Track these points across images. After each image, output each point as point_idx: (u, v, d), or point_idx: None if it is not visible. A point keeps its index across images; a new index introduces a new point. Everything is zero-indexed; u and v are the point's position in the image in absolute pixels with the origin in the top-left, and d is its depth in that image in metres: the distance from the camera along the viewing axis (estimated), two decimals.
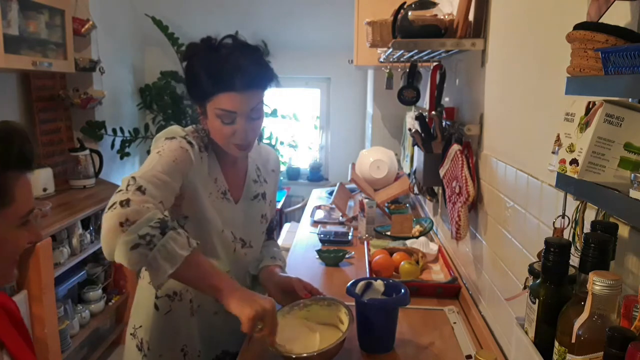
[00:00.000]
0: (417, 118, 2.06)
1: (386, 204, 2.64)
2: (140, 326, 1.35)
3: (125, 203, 1.02)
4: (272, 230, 1.57)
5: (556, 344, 0.77)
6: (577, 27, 0.75)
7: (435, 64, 2.17)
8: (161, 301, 1.33)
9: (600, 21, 0.75)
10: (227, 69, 1.17)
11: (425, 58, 2.04)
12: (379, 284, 1.36)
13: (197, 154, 1.23)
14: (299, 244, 2.25)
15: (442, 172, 1.78)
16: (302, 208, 3.56)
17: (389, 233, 2.23)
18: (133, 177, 1.08)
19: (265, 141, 4.18)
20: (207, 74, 1.18)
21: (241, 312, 1.04)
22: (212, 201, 1.28)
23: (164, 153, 1.16)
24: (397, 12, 1.73)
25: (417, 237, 2.12)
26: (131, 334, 1.37)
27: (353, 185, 2.82)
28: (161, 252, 1.00)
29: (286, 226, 3.49)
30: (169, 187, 1.13)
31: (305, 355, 1.12)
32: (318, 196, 3.22)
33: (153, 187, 1.08)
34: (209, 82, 1.18)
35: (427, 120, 2.05)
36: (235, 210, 1.34)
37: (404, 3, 1.74)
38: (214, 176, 1.30)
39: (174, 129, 1.27)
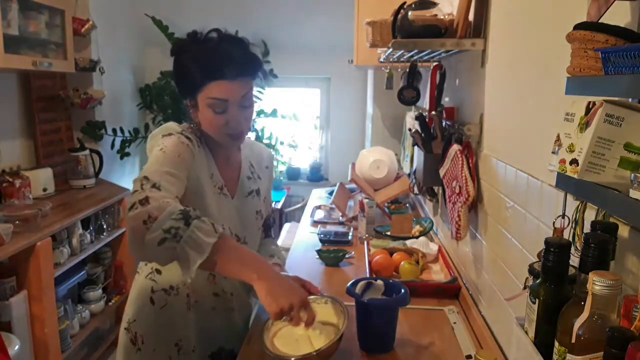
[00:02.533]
0: (417, 118, 2.06)
1: (386, 204, 2.64)
2: (135, 320, 1.35)
3: (144, 201, 1.00)
4: (270, 228, 1.57)
5: (556, 344, 0.77)
6: (577, 27, 0.75)
7: (435, 64, 2.17)
8: (157, 295, 1.33)
9: (600, 21, 0.75)
10: (216, 58, 1.19)
11: (425, 58, 2.04)
12: (379, 284, 1.36)
13: (196, 148, 1.24)
14: (299, 244, 2.25)
15: (442, 172, 1.78)
16: (302, 208, 3.56)
17: (389, 233, 2.23)
18: (145, 177, 1.07)
19: (265, 141, 4.18)
20: (197, 65, 1.20)
21: (268, 306, 1.02)
22: (211, 196, 1.29)
23: (168, 149, 1.16)
24: (397, 12, 1.73)
25: (417, 237, 2.12)
26: (125, 329, 1.37)
27: (353, 185, 2.82)
28: (188, 243, 0.98)
29: (286, 226, 3.48)
30: (179, 182, 1.13)
31: (303, 355, 1.12)
32: (318, 196, 3.22)
33: (167, 182, 1.08)
34: (199, 72, 1.20)
35: (427, 120, 2.05)
36: (232, 206, 1.35)
37: (404, 3, 1.74)
38: (210, 172, 1.31)
39: (170, 125, 1.27)
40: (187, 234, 0.98)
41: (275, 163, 1.28)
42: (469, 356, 1.28)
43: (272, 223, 1.59)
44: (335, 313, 1.25)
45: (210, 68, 1.20)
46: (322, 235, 2.26)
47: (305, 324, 1.09)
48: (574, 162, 0.74)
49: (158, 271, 1.34)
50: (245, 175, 1.41)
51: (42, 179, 2.82)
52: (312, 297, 1.31)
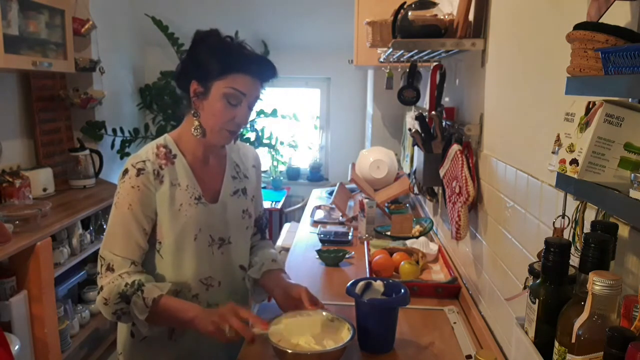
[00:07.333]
0: (417, 118, 2.06)
1: (386, 204, 2.64)
2: (121, 353, 1.36)
3: (100, 289, 1.23)
4: (264, 230, 1.56)
5: (556, 344, 0.77)
6: (577, 27, 0.75)
7: (435, 64, 2.17)
8: (136, 328, 1.30)
9: (600, 21, 0.75)
10: (246, 53, 1.24)
11: (425, 58, 2.04)
12: (379, 284, 1.36)
13: (152, 179, 1.25)
14: (299, 244, 2.25)
15: (442, 172, 1.78)
16: (302, 208, 3.56)
17: (389, 233, 2.23)
18: (102, 257, 1.25)
19: (265, 141, 4.19)
20: (226, 52, 1.22)
21: (209, 332, 1.16)
22: (185, 211, 1.27)
23: (119, 203, 1.25)
24: (397, 12, 1.73)
25: (417, 237, 2.12)
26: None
27: (353, 185, 2.82)
28: (134, 318, 1.21)
29: (286, 226, 3.48)
30: (132, 238, 1.24)
31: (309, 353, 1.13)
32: (318, 196, 3.22)
33: (118, 257, 1.23)
34: (226, 60, 1.21)
35: (427, 120, 2.05)
36: (212, 211, 1.32)
37: (404, 3, 1.74)
38: (185, 184, 1.29)
39: (133, 157, 1.28)
40: (132, 313, 1.20)
41: (263, 164, 1.28)
42: (469, 356, 1.28)
43: (266, 224, 1.57)
44: (343, 332, 1.23)
45: (239, 60, 1.22)
46: (322, 235, 2.26)
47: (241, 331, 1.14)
48: (574, 162, 0.74)
49: None
50: (230, 175, 1.39)
51: (42, 179, 2.82)
52: (322, 311, 1.28)
